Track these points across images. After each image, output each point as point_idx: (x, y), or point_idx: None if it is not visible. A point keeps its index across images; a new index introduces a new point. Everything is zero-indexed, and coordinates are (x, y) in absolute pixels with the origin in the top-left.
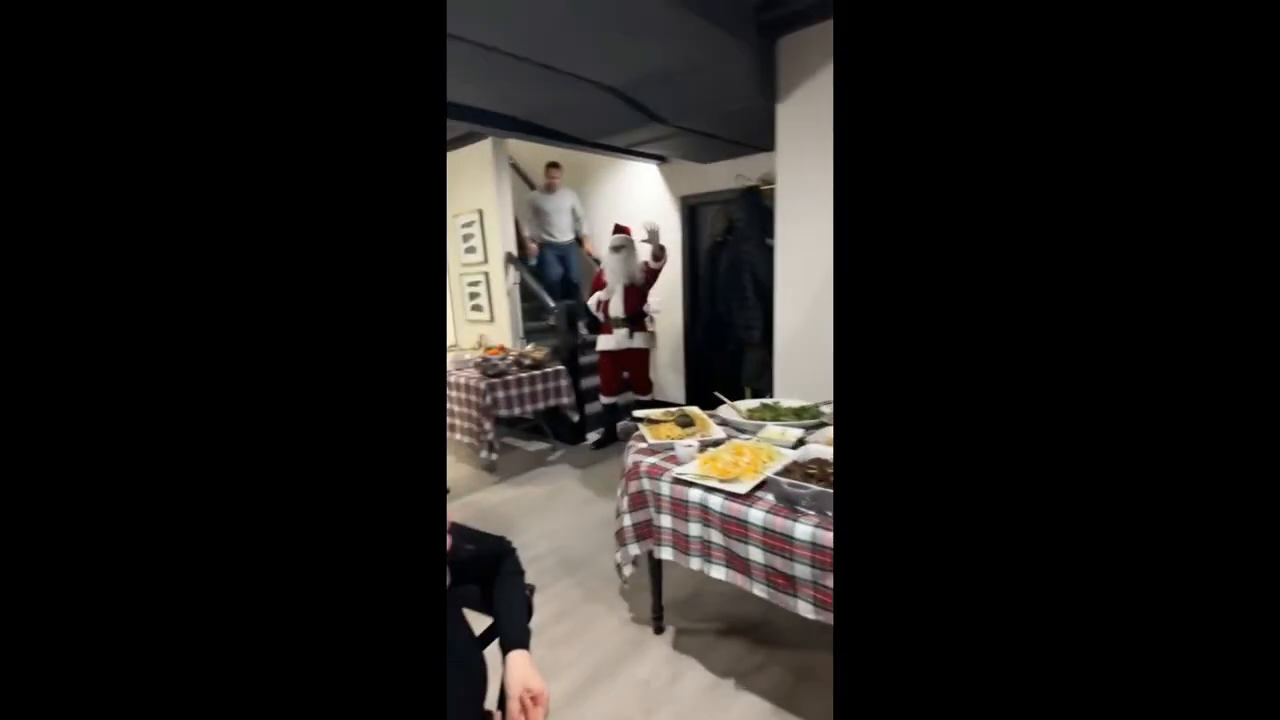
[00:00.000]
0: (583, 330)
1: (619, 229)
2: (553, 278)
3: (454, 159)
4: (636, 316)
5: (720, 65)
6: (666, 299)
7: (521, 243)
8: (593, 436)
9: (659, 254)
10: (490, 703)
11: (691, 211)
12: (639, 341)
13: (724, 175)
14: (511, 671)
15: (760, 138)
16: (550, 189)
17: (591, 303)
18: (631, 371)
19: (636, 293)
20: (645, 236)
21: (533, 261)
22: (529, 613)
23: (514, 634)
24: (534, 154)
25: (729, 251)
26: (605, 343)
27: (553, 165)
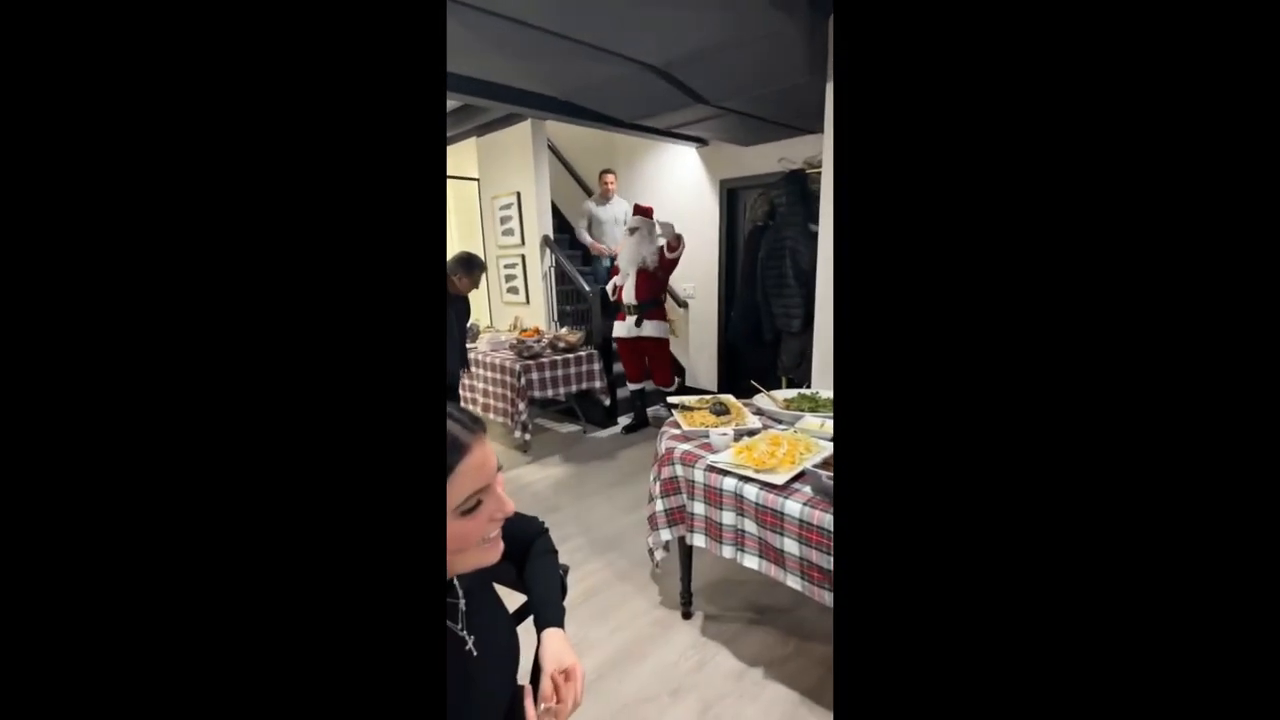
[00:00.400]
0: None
1: (639, 210)
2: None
3: (493, 141)
4: (648, 304)
5: (768, 41)
6: (702, 284)
7: (558, 238)
8: (623, 420)
9: (674, 244)
10: (522, 678)
11: (730, 196)
12: (648, 330)
13: (766, 158)
14: (546, 648)
15: (806, 119)
16: (606, 196)
17: (609, 287)
18: (650, 360)
19: (649, 278)
20: (660, 232)
21: (606, 262)
22: (563, 592)
23: (549, 612)
24: (574, 137)
25: (769, 237)
26: (618, 329)
27: (606, 172)
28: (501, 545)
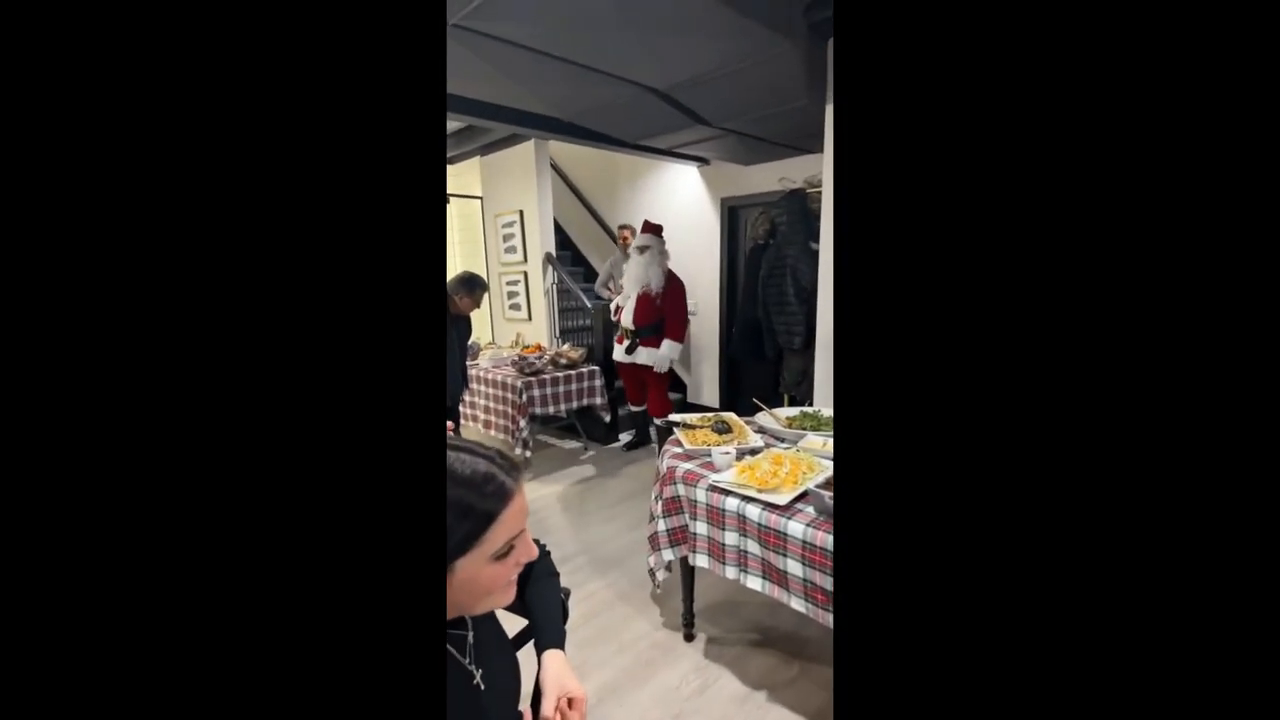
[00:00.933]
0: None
1: (648, 227)
2: (605, 302)
3: (496, 160)
4: (646, 330)
5: (768, 65)
6: (703, 302)
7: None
8: (625, 438)
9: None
10: (522, 703)
11: (732, 214)
12: (643, 358)
13: (766, 177)
14: (548, 672)
15: (805, 139)
16: (627, 252)
17: (611, 305)
18: (647, 387)
19: (650, 303)
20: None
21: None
22: (564, 615)
23: (550, 635)
24: (576, 156)
25: (770, 255)
26: (616, 352)
27: (624, 227)
28: (516, 586)
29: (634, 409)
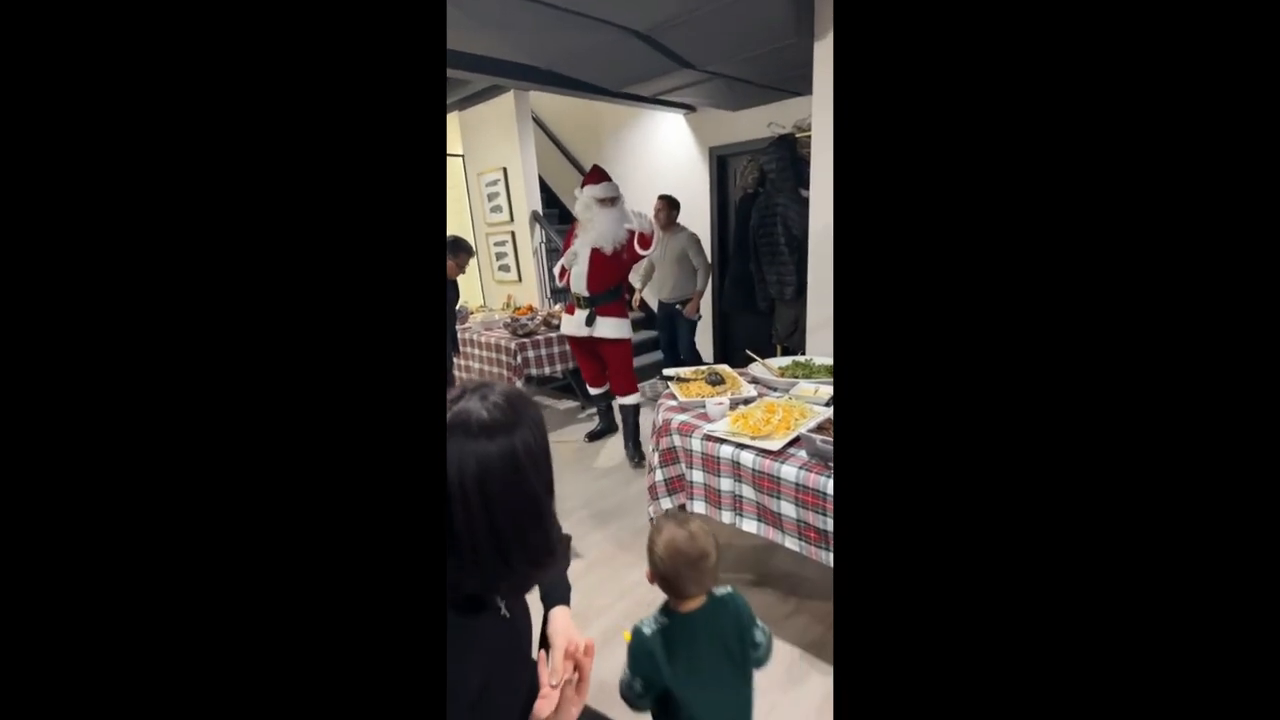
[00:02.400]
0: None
1: (602, 174)
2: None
3: (475, 115)
4: (603, 296)
5: (753, 2)
6: None
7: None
8: (593, 416)
9: (648, 238)
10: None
11: (720, 163)
12: (603, 329)
13: (755, 123)
14: (555, 624)
15: (795, 81)
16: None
17: (556, 269)
18: (608, 365)
19: (607, 263)
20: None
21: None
22: (567, 562)
23: (557, 590)
24: (559, 109)
25: (761, 204)
26: (566, 325)
27: (662, 197)
28: None
29: (594, 392)
